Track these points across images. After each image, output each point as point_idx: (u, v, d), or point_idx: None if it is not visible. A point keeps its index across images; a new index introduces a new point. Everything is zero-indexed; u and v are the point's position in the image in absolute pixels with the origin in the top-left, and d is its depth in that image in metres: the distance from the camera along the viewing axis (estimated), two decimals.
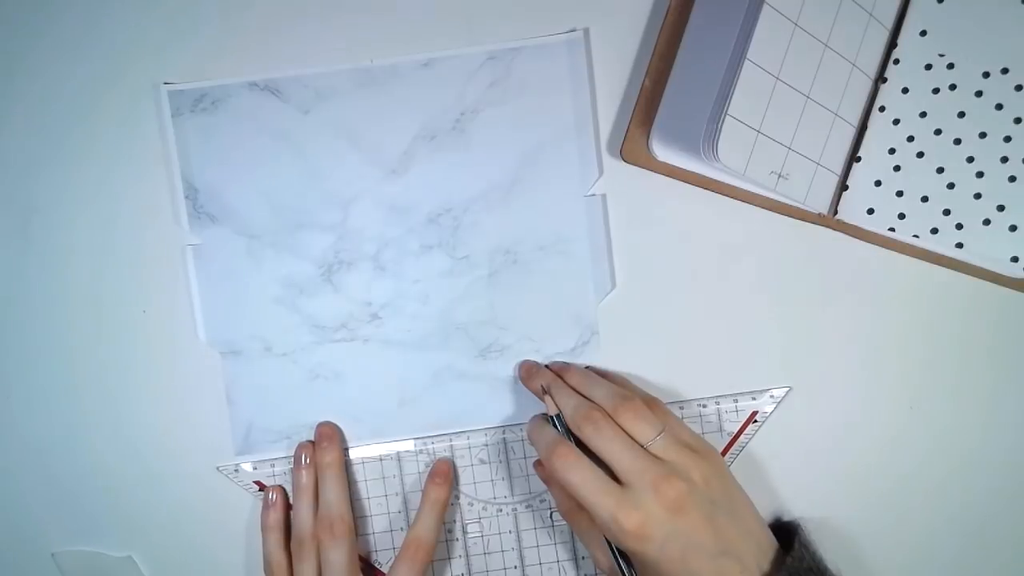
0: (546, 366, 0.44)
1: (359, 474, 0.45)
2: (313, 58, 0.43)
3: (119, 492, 0.45)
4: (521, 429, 0.45)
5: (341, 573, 0.41)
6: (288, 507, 0.45)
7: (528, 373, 0.44)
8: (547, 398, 0.41)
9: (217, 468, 0.45)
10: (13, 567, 0.46)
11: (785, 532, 0.40)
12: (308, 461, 0.44)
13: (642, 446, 0.38)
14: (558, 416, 0.40)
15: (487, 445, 0.45)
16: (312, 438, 0.45)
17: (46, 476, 0.45)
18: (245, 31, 0.43)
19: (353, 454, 0.45)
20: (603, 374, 0.44)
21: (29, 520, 0.45)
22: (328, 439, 0.44)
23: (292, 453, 0.45)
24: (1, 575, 0.46)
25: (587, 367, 0.44)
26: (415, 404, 0.45)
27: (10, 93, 0.44)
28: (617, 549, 0.39)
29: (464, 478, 0.45)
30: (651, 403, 0.40)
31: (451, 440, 0.45)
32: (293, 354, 0.45)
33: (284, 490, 0.45)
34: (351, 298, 0.44)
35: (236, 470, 0.45)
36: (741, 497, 0.40)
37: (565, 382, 0.42)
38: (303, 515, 0.43)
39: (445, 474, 0.44)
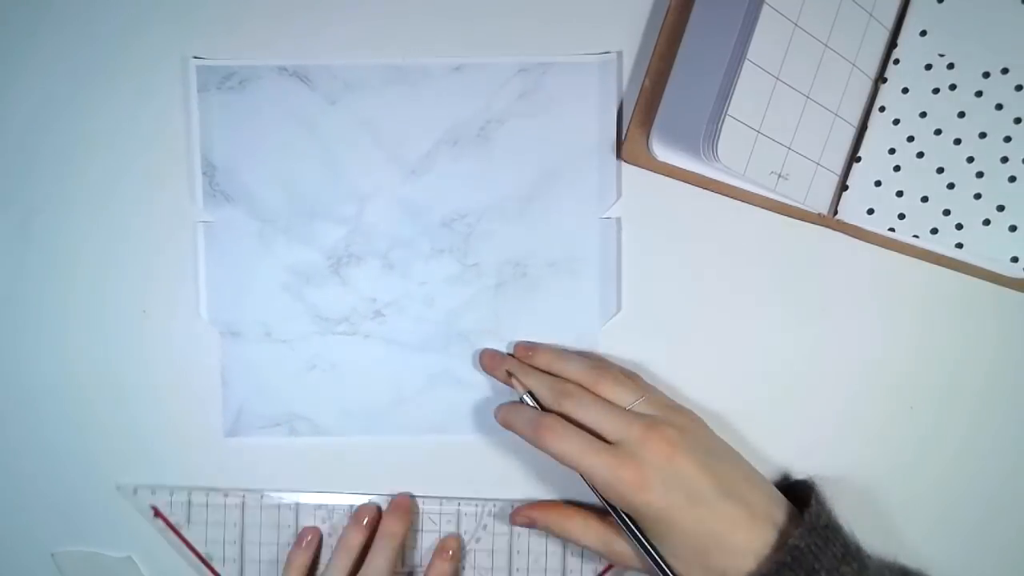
0: (510, 355, 0.44)
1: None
2: (345, 49, 0.43)
3: (119, 492, 0.45)
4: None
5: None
6: (317, 553, 0.44)
7: (491, 361, 0.43)
8: (513, 380, 0.41)
9: (117, 487, 0.45)
10: (13, 567, 0.46)
11: (793, 492, 0.40)
12: (367, 523, 0.43)
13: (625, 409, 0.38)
14: (530, 395, 0.40)
15: (492, 515, 0.45)
16: (357, 507, 0.44)
17: (46, 476, 0.45)
18: (279, 14, 0.43)
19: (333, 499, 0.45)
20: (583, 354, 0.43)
21: (29, 520, 0.45)
22: (403, 510, 0.43)
23: (275, 440, 0.44)
24: (1, 575, 0.46)
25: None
26: (408, 404, 0.45)
27: (24, 49, 0.44)
28: (624, 514, 0.38)
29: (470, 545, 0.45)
30: (629, 375, 0.41)
31: (459, 504, 0.45)
32: (293, 342, 0.44)
33: (321, 535, 0.44)
34: (357, 293, 0.44)
35: (135, 492, 0.45)
36: (734, 450, 0.40)
37: (532, 364, 0.42)
38: (337, 572, 0.42)
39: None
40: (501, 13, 0.43)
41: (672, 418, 0.39)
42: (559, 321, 0.44)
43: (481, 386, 0.45)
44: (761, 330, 0.45)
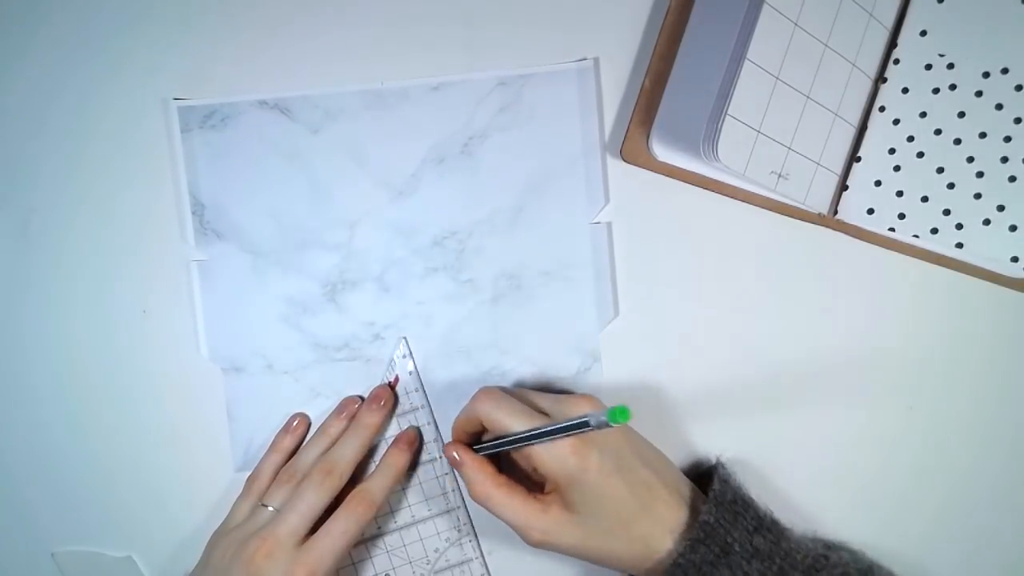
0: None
1: None
2: (323, 78, 0.43)
3: (119, 492, 0.45)
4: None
5: (304, 514, 0.39)
6: (303, 440, 0.44)
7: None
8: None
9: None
10: (13, 567, 0.46)
11: (704, 477, 0.41)
12: (346, 415, 0.44)
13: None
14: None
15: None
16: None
17: (46, 476, 0.45)
18: (255, 48, 0.44)
19: None
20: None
21: (29, 520, 0.45)
22: (380, 402, 0.43)
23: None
24: (1, 575, 0.46)
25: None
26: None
27: (11, 98, 0.44)
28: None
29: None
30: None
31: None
32: (295, 372, 0.45)
33: (308, 424, 0.45)
34: (354, 318, 0.44)
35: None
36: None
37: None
38: (310, 453, 0.42)
39: (410, 441, 0.44)
40: (474, 29, 0.43)
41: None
42: (557, 329, 0.44)
43: None
44: (761, 330, 0.45)
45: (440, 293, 0.44)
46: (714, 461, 0.44)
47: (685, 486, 0.40)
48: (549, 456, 0.37)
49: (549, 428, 0.36)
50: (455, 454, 0.41)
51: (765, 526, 0.38)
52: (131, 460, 0.45)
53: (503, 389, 0.41)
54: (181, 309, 0.44)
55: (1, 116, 0.44)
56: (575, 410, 0.38)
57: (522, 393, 0.41)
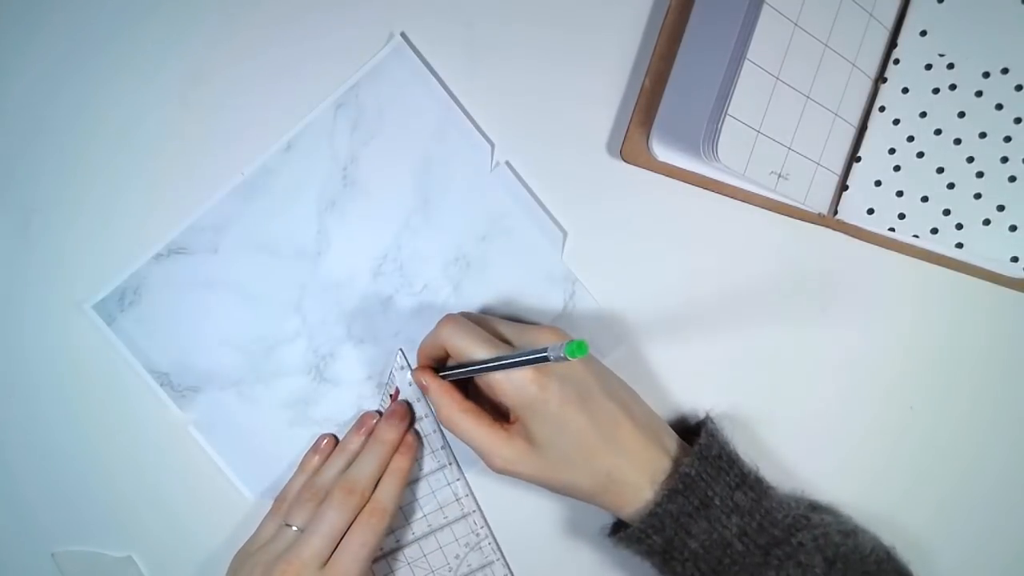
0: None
1: None
2: (194, 199, 0.44)
3: (119, 492, 0.45)
4: None
5: (327, 535, 0.39)
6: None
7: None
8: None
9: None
10: (13, 567, 0.46)
11: (691, 433, 0.41)
12: (364, 431, 0.44)
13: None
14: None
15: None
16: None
17: (46, 476, 0.45)
18: (123, 212, 0.44)
19: None
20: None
21: (29, 520, 0.45)
22: (398, 418, 0.43)
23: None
24: (1, 575, 0.46)
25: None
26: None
27: (11, 98, 0.44)
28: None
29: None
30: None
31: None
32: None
33: (336, 441, 0.45)
34: (352, 382, 0.45)
35: None
36: (631, 389, 0.42)
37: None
38: (331, 470, 0.42)
39: (403, 423, 0.44)
40: (287, 74, 0.43)
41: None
42: (525, 277, 0.45)
43: None
44: (761, 330, 0.45)
45: (408, 313, 0.45)
46: (703, 416, 0.44)
47: (668, 437, 0.40)
48: (510, 385, 0.38)
49: (510, 358, 0.36)
50: (422, 380, 0.41)
51: (748, 483, 0.39)
52: (131, 460, 0.45)
53: (468, 315, 0.41)
54: (203, 468, 0.45)
55: (1, 116, 0.44)
56: (538, 340, 0.38)
57: (486, 320, 0.41)
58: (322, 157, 0.44)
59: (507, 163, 0.44)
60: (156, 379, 0.44)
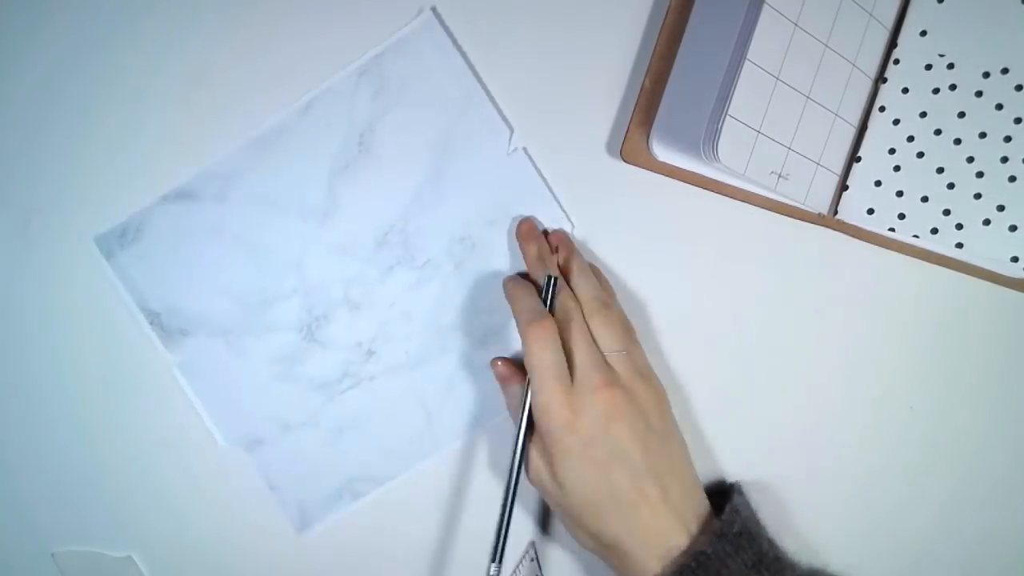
0: (546, 232, 0.44)
1: None
2: (207, 147, 0.44)
3: (119, 492, 0.45)
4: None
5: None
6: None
7: (527, 234, 0.43)
8: (544, 261, 0.42)
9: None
10: (13, 567, 0.46)
11: (724, 496, 0.40)
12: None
13: (601, 353, 0.39)
14: (552, 282, 0.40)
15: None
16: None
17: (46, 476, 0.45)
18: (135, 150, 0.44)
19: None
20: (598, 275, 0.43)
21: (29, 520, 0.45)
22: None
23: (345, 511, 0.45)
24: (1, 575, 0.46)
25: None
26: (441, 415, 0.45)
27: (12, 99, 0.44)
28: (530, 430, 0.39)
29: None
30: (626, 323, 0.41)
31: None
32: (310, 421, 0.45)
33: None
34: (341, 346, 0.45)
35: None
36: (678, 438, 0.40)
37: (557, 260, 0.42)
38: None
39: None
40: (314, 35, 0.43)
41: (633, 385, 0.38)
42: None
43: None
44: (761, 330, 0.45)
45: (406, 286, 0.44)
46: (732, 483, 0.43)
47: (693, 510, 0.38)
48: (541, 413, 0.38)
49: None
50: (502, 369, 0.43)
51: (765, 563, 0.37)
52: (131, 460, 0.45)
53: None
54: (184, 411, 0.45)
55: (1, 116, 0.44)
56: None
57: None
58: (340, 121, 0.44)
59: (524, 149, 0.44)
60: (147, 317, 0.44)
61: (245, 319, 0.44)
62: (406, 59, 0.43)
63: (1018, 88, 0.41)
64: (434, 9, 0.43)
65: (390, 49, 0.43)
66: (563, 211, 0.44)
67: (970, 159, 0.42)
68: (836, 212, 0.43)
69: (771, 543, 0.38)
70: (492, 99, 0.44)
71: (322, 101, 0.44)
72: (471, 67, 0.44)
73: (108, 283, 0.44)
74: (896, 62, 0.42)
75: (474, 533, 0.45)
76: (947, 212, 0.42)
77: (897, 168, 0.43)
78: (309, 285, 0.44)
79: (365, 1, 0.43)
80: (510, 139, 0.44)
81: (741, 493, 0.40)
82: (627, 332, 0.41)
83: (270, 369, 0.45)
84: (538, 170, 0.44)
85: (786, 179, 0.41)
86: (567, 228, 0.44)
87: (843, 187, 0.43)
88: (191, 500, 0.45)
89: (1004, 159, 0.42)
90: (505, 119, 0.44)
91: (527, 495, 0.45)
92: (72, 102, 0.44)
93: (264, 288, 0.44)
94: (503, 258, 0.44)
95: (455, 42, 0.43)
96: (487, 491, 0.45)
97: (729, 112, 0.38)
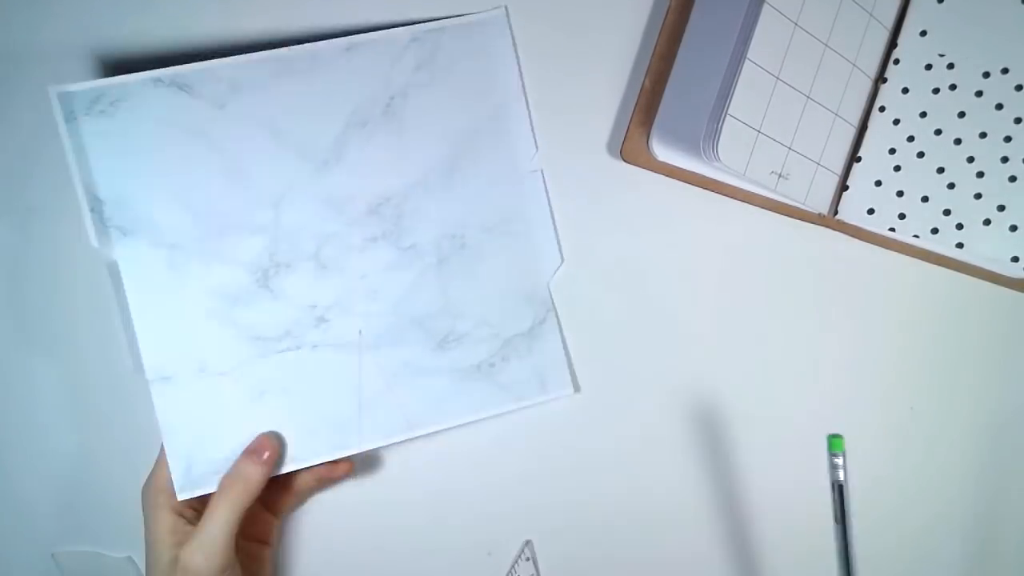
0: None
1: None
2: (222, 46, 0.41)
3: (119, 492, 0.45)
4: (491, 421, 0.43)
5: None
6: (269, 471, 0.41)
7: None
8: None
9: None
10: (13, 567, 0.46)
11: None
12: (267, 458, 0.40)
13: None
14: None
15: None
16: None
17: (46, 476, 0.45)
18: (145, 19, 0.41)
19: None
20: None
21: (29, 520, 0.45)
22: (258, 453, 0.40)
23: None
24: (1, 575, 0.46)
25: None
26: (375, 408, 0.42)
27: None
28: None
29: None
30: None
31: None
32: (232, 372, 0.41)
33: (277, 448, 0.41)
34: (293, 303, 0.41)
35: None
36: None
37: None
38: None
39: (257, 451, 0.40)
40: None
41: None
42: (506, 285, 0.43)
43: (446, 370, 0.43)
44: (761, 330, 0.45)
45: (383, 263, 0.42)
46: None
47: None
48: None
49: None
50: None
51: None
52: (131, 460, 0.45)
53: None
54: (102, 317, 0.42)
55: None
56: None
57: None
58: (376, 77, 0.42)
59: (542, 172, 0.44)
60: (89, 203, 0.39)
61: (198, 239, 0.40)
62: (464, 44, 0.42)
63: (1018, 88, 0.41)
64: (506, 8, 0.43)
65: (452, 28, 0.42)
66: (558, 243, 0.44)
67: (970, 159, 0.42)
68: (836, 212, 0.43)
69: None
70: (530, 113, 0.43)
71: (365, 49, 0.41)
72: (521, 76, 0.43)
73: (59, 148, 0.39)
74: (896, 62, 0.42)
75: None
76: (947, 212, 0.42)
77: (897, 168, 0.43)
78: (281, 228, 0.41)
79: (535, 26, 0.43)
80: (533, 157, 0.44)
81: None
82: None
83: (207, 302, 0.40)
84: (548, 196, 0.44)
85: (786, 179, 0.41)
86: (555, 261, 0.44)
87: (843, 187, 0.43)
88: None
89: (1004, 159, 0.42)
90: (535, 137, 0.43)
91: (520, 498, 0.45)
92: None
93: (231, 213, 0.40)
94: (486, 268, 0.43)
95: (516, 47, 0.43)
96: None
97: (729, 112, 0.38)
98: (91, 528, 0.46)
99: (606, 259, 0.45)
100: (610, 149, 0.44)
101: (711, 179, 0.43)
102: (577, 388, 0.44)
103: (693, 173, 0.43)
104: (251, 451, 0.40)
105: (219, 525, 0.38)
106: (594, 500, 0.45)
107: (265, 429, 0.41)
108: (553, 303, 0.44)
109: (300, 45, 0.41)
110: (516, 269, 0.43)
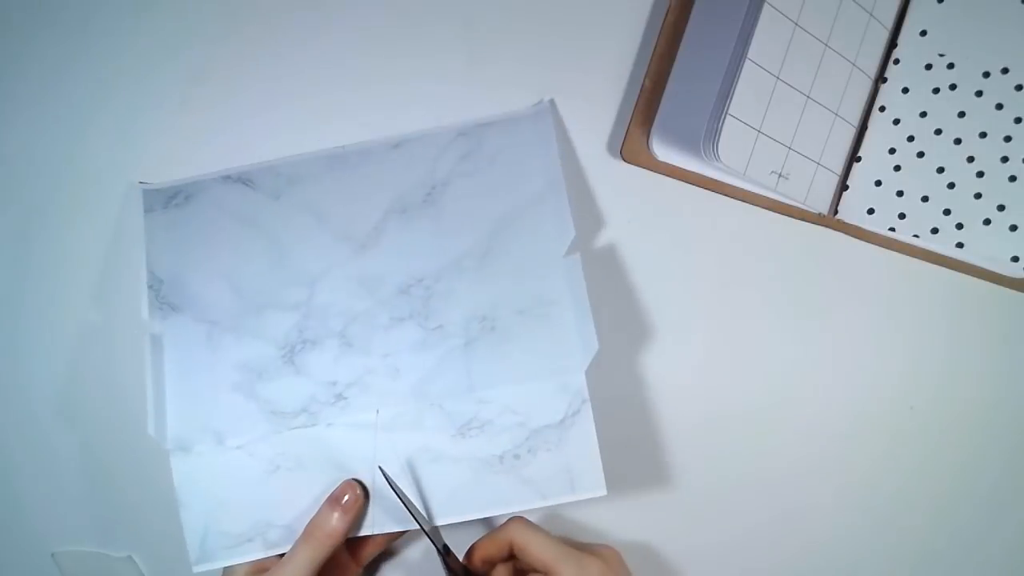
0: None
1: None
2: (287, 147, 0.44)
3: (119, 492, 0.45)
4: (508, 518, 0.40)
5: None
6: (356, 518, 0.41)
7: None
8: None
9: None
10: (13, 567, 0.46)
11: None
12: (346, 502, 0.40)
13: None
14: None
15: None
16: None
17: (46, 476, 0.45)
18: (218, 122, 0.44)
19: None
20: None
21: (29, 520, 0.45)
22: (338, 499, 0.40)
23: (253, 558, 0.41)
24: (1, 575, 0.46)
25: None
26: (389, 494, 0.40)
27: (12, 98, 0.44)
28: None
29: None
30: None
31: None
32: (248, 446, 0.41)
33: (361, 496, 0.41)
34: (314, 379, 0.42)
35: None
36: None
37: None
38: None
39: (337, 500, 0.40)
40: (432, 83, 0.44)
41: None
42: (538, 369, 0.41)
43: (466, 458, 0.41)
44: (761, 330, 0.45)
45: (408, 343, 0.42)
46: None
47: None
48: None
49: None
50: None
51: None
52: (131, 460, 0.45)
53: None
54: (134, 384, 0.43)
55: (1, 116, 0.44)
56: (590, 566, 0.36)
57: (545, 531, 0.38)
58: (420, 168, 0.43)
59: (580, 257, 0.42)
60: (149, 280, 0.42)
61: (237, 315, 0.42)
62: (508, 138, 0.43)
63: (1018, 88, 0.41)
64: (552, 101, 0.44)
65: (496, 123, 0.43)
66: (595, 331, 0.40)
67: (970, 159, 0.42)
68: (836, 212, 0.43)
69: None
70: (571, 199, 0.43)
71: (413, 144, 0.43)
72: (563, 165, 0.43)
73: (132, 234, 0.43)
74: (896, 62, 0.42)
75: None
76: (947, 212, 0.43)
77: (897, 168, 0.43)
78: (314, 306, 0.42)
79: (489, 74, 0.44)
80: (571, 243, 0.42)
81: None
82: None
83: (235, 376, 0.42)
84: (584, 283, 0.42)
85: (786, 179, 0.41)
86: (592, 348, 0.40)
87: (843, 187, 0.43)
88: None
89: (1004, 159, 0.42)
90: (574, 223, 0.42)
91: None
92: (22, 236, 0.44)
93: (270, 291, 0.42)
94: (517, 352, 0.41)
95: (560, 137, 0.43)
96: None
97: (729, 111, 0.38)
98: (91, 528, 0.45)
99: (605, 259, 0.45)
100: (610, 149, 0.44)
101: (711, 179, 0.43)
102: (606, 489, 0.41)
103: (693, 173, 0.43)
104: (333, 498, 0.40)
105: (298, 569, 0.38)
106: None
107: (279, 503, 0.41)
108: (588, 395, 0.41)
109: (353, 143, 0.43)
110: (549, 355, 0.41)
